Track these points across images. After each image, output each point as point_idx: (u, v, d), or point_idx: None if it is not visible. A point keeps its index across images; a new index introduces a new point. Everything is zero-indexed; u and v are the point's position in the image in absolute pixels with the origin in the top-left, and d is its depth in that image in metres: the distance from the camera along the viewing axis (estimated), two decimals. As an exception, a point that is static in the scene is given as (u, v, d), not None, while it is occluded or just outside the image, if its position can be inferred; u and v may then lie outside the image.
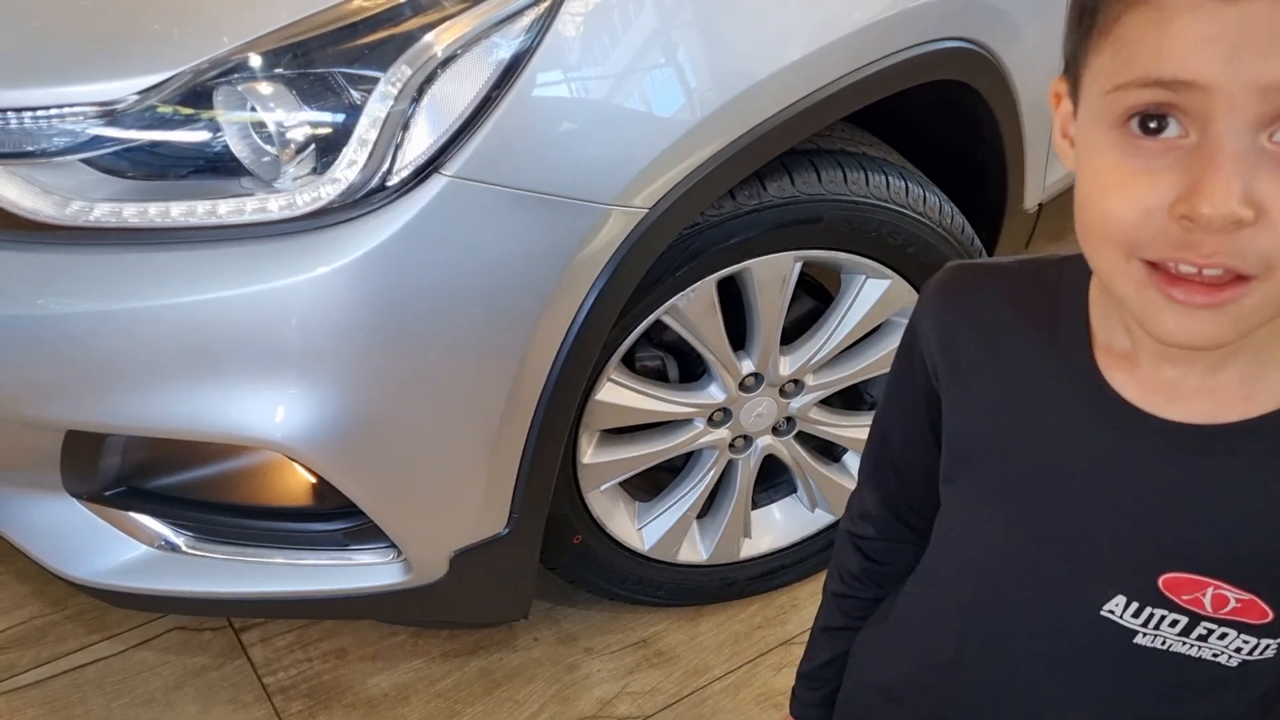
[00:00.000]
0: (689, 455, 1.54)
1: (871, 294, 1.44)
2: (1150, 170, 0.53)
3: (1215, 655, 0.66)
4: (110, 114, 1.05)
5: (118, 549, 1.34)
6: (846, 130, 1.41)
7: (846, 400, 1.61)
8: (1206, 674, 0.67)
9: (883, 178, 1.36)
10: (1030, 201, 1.68)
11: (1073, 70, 0.59)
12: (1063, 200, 1.81)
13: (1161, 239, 0.53)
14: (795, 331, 1.48)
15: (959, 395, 0.71)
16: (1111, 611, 0.67)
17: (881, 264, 1.41)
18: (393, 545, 1.27)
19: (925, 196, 1.40)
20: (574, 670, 1.59)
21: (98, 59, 1.07)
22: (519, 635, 1.63)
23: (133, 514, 1.32)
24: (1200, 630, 0.66)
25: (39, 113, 1.06)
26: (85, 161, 1.09)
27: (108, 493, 1.29)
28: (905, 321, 1.45)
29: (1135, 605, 0.66)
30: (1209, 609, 0.65)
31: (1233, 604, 0.64)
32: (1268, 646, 0.65)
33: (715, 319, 1.37)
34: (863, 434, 1.58)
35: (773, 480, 1.66)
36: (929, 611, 0.80)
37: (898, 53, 1.26)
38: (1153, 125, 0.53)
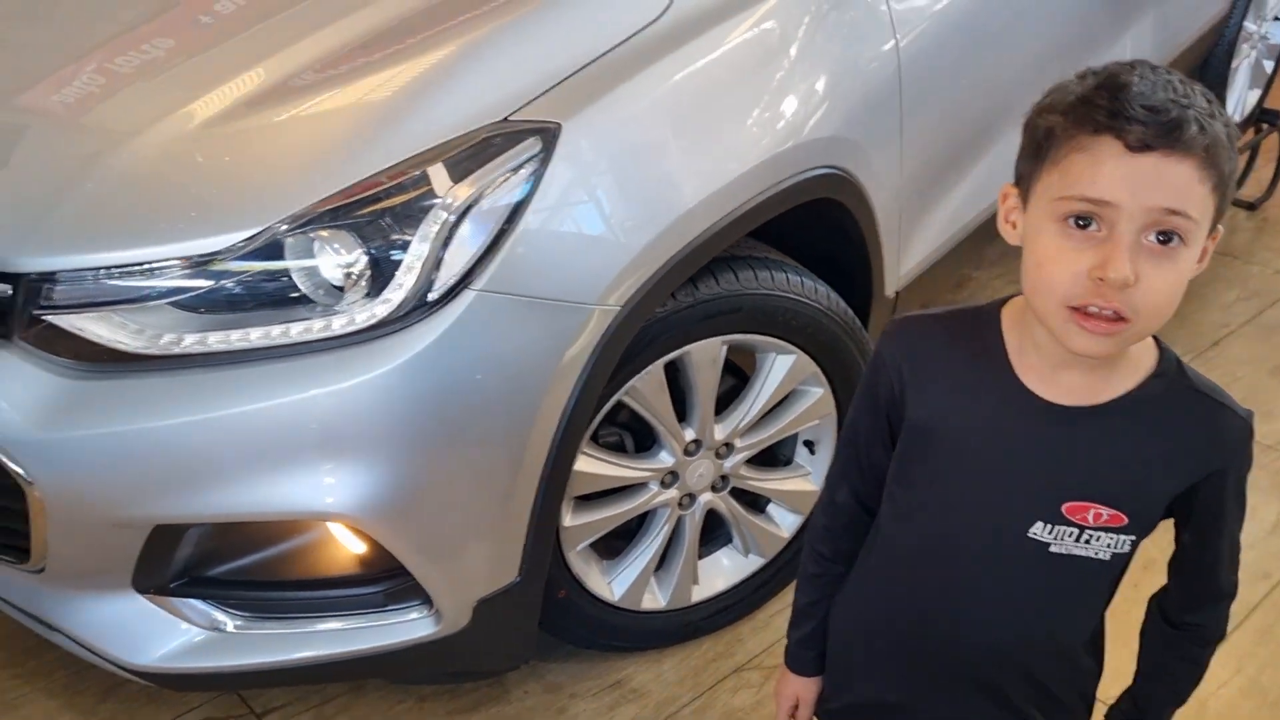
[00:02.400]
0: (644, 516, 1.85)
1: (781, 368, 1.81)
2: (1078, 250, 0.91)
3: (1096, 553, 1.04)
4: (200, 266, 1.34)
5: (174, 635, 1.55)
6: (750, 241, 1.79)
7: (765, 459, 1.96)
8: (1091, 566, 1.05)
9: (783, 275, 1.74)
10: (889, 289, 2.10)
11: (1024, 183, 0.97)
12: (913, 289, 2.25)
13: (1082, 291, 0.91)
14: (723, 403, 1.83)
15: (917, 396, 1.07)
16: (1034, 533, 1.03)
17: (788, 342, 1.78)
18: (426, 601, 1.53)
19: (815, 287, 1.79)
20: (564, 713, 1.85)
21: (186, 224, 1.35)
22: (511, 690, 1.88)
23: (190, 601, 1.54)
24: (1087, 536, 1.03)
25: (140, 267, 1.34)
26: (173, 304, 1.37)
27: (172, 584, 1.52)
28: (808, 390, 1.82)
29: (1049, 526, 1.03)
30: (1090, 521, 1.02)
31: (1105, 517, 1.02)
32: (1124, 542, 1.03)
33: (664, 396, 1.70)
34: (781, 486, 1.95)
35: (712, 534, 1.98)
36: (889, 565, 1.14)
37: (788, 178, 1.66)
38: (1082, 223, 0.91)
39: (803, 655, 1.25)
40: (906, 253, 2.12)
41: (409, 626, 1.55)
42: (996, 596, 1.08)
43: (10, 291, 1.37)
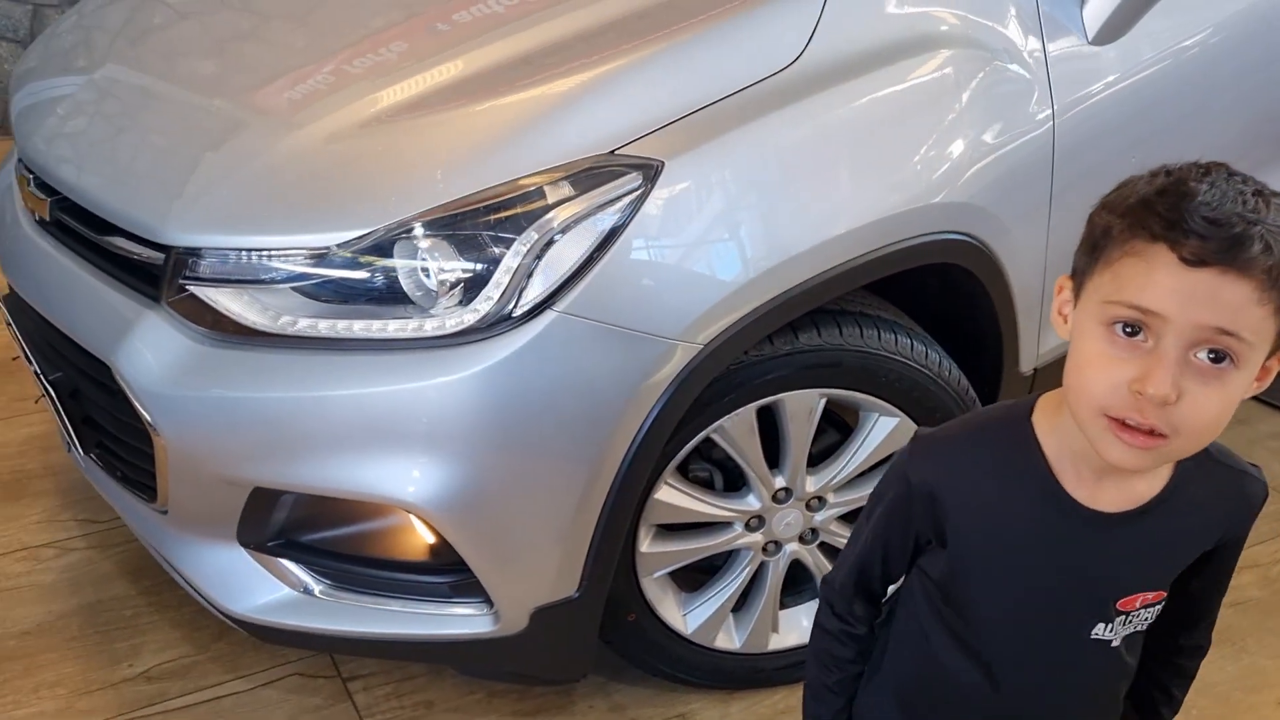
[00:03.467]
0: (728, 554, 1.86)
1: (883, 429, 1.78)
2: (1121, 359, 0.88)
3: (1138, 626, 1.07)
4: (320, 256, 1.46)
5: (268, 590, 1.69)
6: (865, 296, 1.78)
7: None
8: (1136, 638, 1.09)
9: (893, 335, 1.71)
10: (1025, 366, 2.02)
11: (1078, 278, 0.94)
12: (1054, 367, 2.15)
13: (1120, 403, 0.88)
14: (822, 456, 1.82)
15: (957, 518, 1.05)
16: (1096, 633, 1.05)
17: (891, 404, 1.75)
18: (487, 599, 1.61)
19: (928, 352, 1.75)
20: (622, 734, 1.88)
21: (313, 217, 1.49)
22: (576, 702, 1.93)
23: (285, 562, 1.68)
24: (1134, 619, 1.05)
25: (272, 252, 1.48)
26: (294, 289, 1.50)
27: (270, 543, 1.66)
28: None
29: (1108, 625, 1.04)
30: (1138, 606, 1.05)
31: (1151, 598, 1.05)
32: (1158, 610, 1.06)
33: (754, 439, 1.71)
34: (876, 549, 1.90)
35: (800, 586, 1.97)
36: (939, 684, 1.13)
37: (911, 238, 1.63)
38: (1128, 330, 0.88)
39: None
40: (1050, 330, 2.03)
41: (468, 621, 1.63)
42: (1062, 701, 1.10)
43: (162, 260, 1.54)
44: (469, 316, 1.44)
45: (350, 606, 1.67)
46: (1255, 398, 2.99)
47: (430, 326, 1.45)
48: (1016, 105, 1.75)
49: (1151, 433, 0.87)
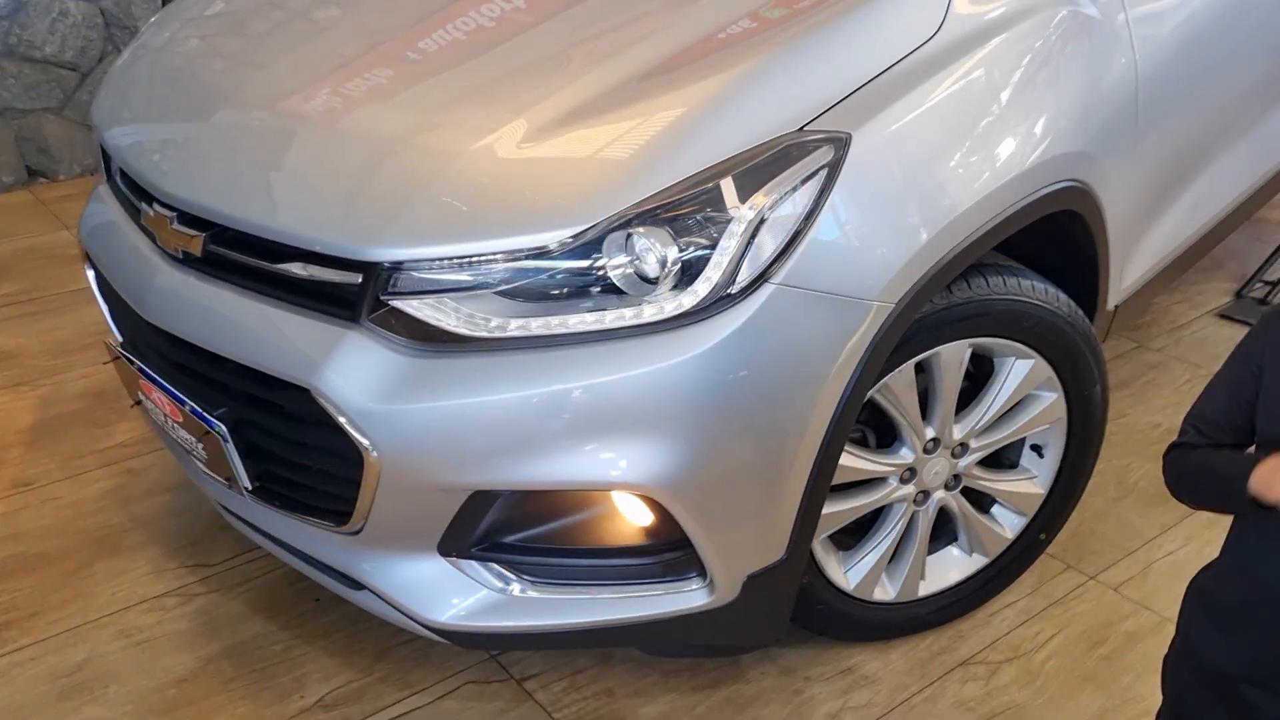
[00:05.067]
0: (879, 510, 1.95)
1: (1020, 372, 1.89)
2: None
3: None
4: (532, 259, 1.49)
5: (468, 595, 1.70)
6: (993, 251, 1.89)
7: (993, 461, 2.04)
8: None
9: (1029, 282, 1.83)
10: (1111, 303, 2.17)
11: None
12: (1128, 305, 2.31)
13: None
14: (960, 407, 1.92)
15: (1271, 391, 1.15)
16: None
17: (1028, 347, 1.87)
18: (702, 573, 1.66)
19: (1058, 295, 1.88)
20: (800, 694, 1.95)
21: (526, 218, 1.50)
22: (747, 671, 2.00)
23: (485, 564, 1.69)
24: None
25: (476, 259, 1.50)
26: (500, 293, 1.53)
27: (474, 548, 1.67)
28: (1043, 394, 1.92)
29: None
30: None
31: None
32: None
33: (912, 394, 1.81)
34: (1009, 488, 2.02)
35: (938, 532, 2.07)
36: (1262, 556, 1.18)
37: (1041, 188, 1.75)
38: None
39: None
40: (1129, 267, 2.19)
41: (685, 597, 1.68)
42: None
43: (359, 279, 1.55)
44: (687, 299, 1.49)
45: (555, 599, 1.70)
46: (1228, 316, 3.25)
47: (649, 313, 1.49)
48: (1109, 54, 1.90)
49: None
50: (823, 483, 1.66)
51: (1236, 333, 3.13)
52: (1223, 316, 3.30)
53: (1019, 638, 2.07)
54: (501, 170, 1.55)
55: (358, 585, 1.78)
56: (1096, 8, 1.89)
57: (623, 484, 1.53)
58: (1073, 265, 2.05)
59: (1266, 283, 3.45)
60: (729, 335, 1.49)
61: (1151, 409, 2.82)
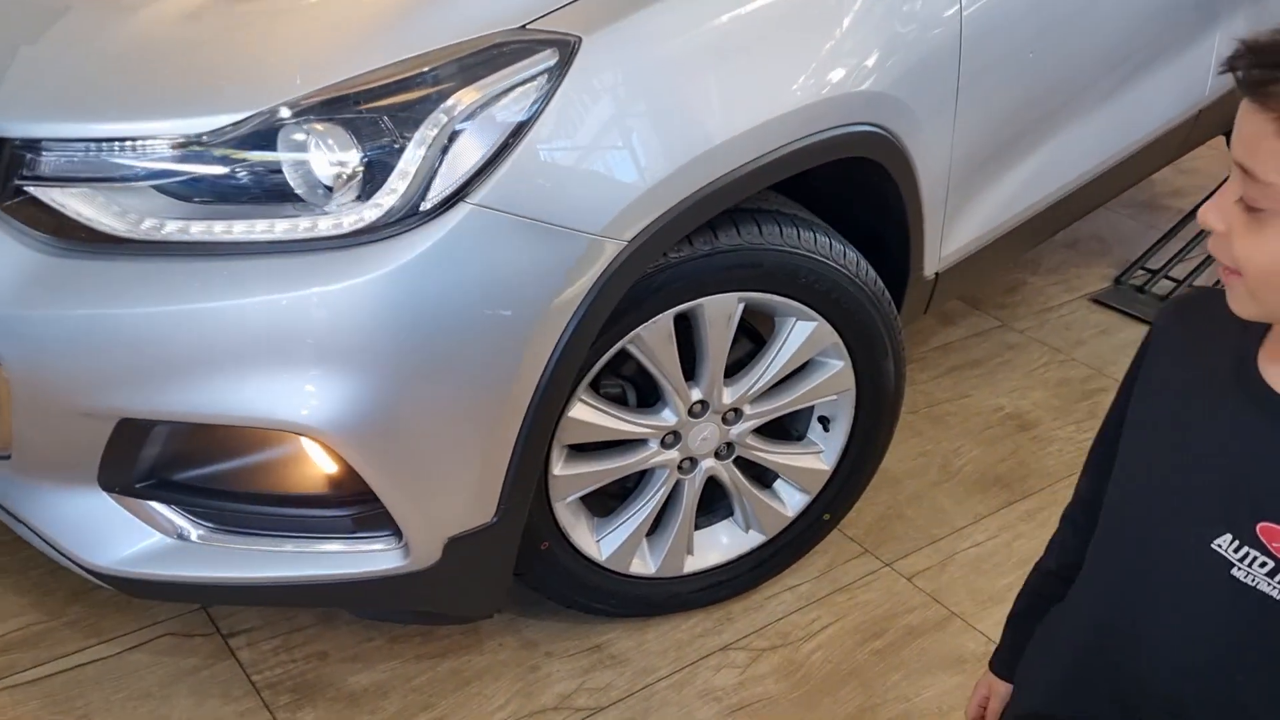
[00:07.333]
0: (641, 475, 1.77)
1: (800, 334, 1.71)
2: None
3: None
4: (188, 148, 1.27)
5: (137, 539, 1.49)
6: (777, 197, 1.70)
7: (777, 432, 1.86)
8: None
9: (811, 233, 1.64)
10: (929, 269, 1.99)
11: None
12: (955, 274, 2.13)
13: None
14: (736, 368, 1.74)
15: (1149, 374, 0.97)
16: (1219, 545, 0.87)
17: (809, 307, 1.68)
18: (395, 532, 1.46)
19: (845, 251, 1.69)
20: (536, 670, 1.77)
21: (179, 100, 1.29)
22: (484, 641, 1.81)
23: (155, 505, 1.48)
24: None
25: (127, 143, 1.28)
26: (156, 187, 1.31)
27: (139, 484, 1.46)
28: (828, 361, 1.73)
29: (1236, 543, 0.86)
30: None
31: None
32: None
33: (671, 349, 1.61)
34: (790, 462, 1.85)
35: (713, 505, 1.89)
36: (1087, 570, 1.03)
37: (827, 129, 1.56)
38: None
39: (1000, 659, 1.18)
40: (951, 232, 2.01)
41: (375, 557, 1.48)
42: (1173, 623, 0.93)
43: (-10, 158, 1.32)
44: (370, 213, 1.28)
45: (236, 551, 1.50)
46: (1100, 302, 3.11)
47: (325, 225, 1.28)
48: (926, -4, 1.69)
49: (1229, 269, 0.83)
50: (539, 438, 1.46)
51: (1107, 319, 2.99)
52: (1095, 301, 3.14)
53: (791, 624, 1.90)
54: (166, 42, 1.33)
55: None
56: (919, -62, 1.69)
57: (286, 424, 1.33)
58: (887, 225, 1.87)
59: (1148, 270, 3.31)
60: (415, 258, 1.29)
61: (998, 391, 2.66)
